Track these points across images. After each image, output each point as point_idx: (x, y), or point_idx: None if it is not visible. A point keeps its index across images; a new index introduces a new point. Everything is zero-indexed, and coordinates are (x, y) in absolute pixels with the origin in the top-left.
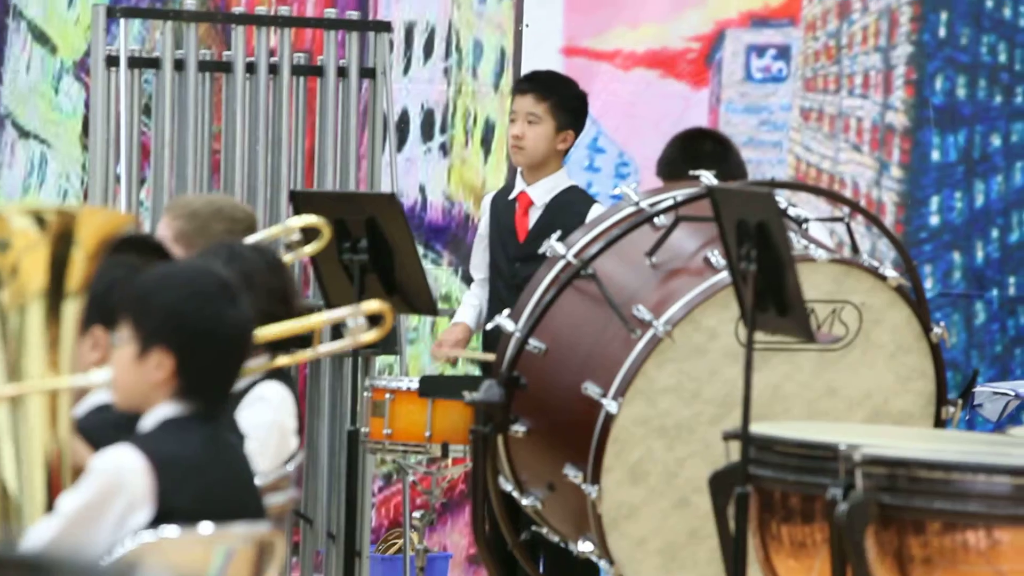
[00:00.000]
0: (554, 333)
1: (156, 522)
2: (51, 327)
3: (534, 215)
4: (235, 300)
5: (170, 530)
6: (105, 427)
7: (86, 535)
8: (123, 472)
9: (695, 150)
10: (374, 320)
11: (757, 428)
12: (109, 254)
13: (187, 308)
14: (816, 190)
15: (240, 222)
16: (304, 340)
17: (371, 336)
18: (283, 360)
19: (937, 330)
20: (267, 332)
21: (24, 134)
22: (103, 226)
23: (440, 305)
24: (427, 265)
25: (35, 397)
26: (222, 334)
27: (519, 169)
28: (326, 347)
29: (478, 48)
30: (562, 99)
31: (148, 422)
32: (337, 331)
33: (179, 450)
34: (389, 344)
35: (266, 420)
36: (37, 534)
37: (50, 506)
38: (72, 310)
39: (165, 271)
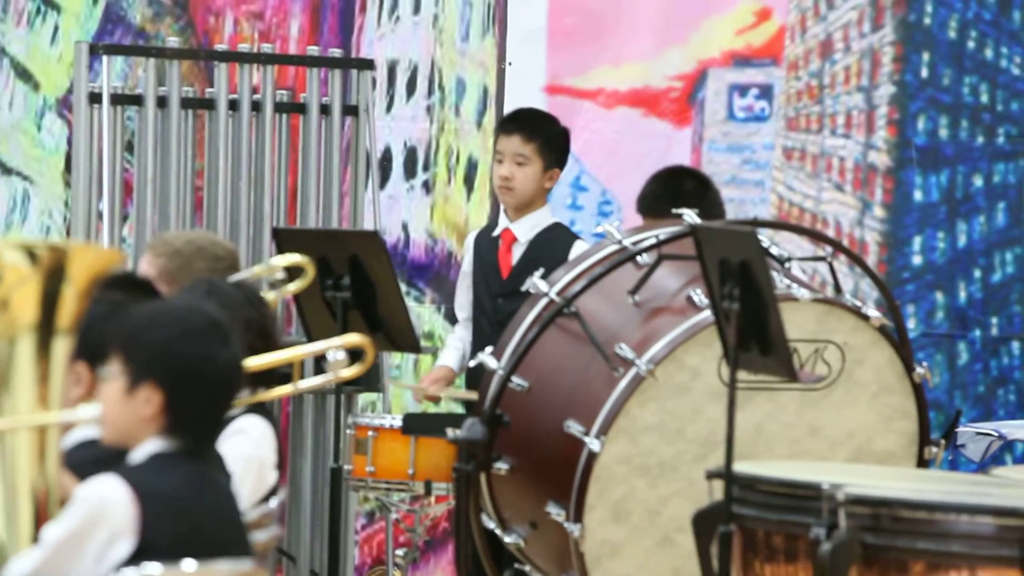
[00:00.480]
0: (537, 371)
1: (138, 556)
2: (41, 362)
3: (517, 252)
4: (226, 339)
5: (152, 567)
6: (89, 462)
7: (68, 564)
8: (107, 502)
9: (676, 188)
10: (356, 357)
11: (740, 467)
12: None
13: (178, 345)
14: (799, 229)
15: (222, 260)
16: (286, 377)
17: (352, 371)
18: (264, 395)
19: (920, 370)
20: (247, 364)
21: (7, 171)
22: (94, 264)
23: (423, 343)
24: (410, 303)
25: (23, 432)
26: (212, 372)
27: (502, 206)
28: (307, 382)
29: (461, 86)
30: (548, 138)
31: (136, 456)
32: (320, 369)
33: (165, 484)
34: (372, 381)
35: (244, 453)
36: (20, 564)
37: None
38: (62, 347)
39: (158, 308)
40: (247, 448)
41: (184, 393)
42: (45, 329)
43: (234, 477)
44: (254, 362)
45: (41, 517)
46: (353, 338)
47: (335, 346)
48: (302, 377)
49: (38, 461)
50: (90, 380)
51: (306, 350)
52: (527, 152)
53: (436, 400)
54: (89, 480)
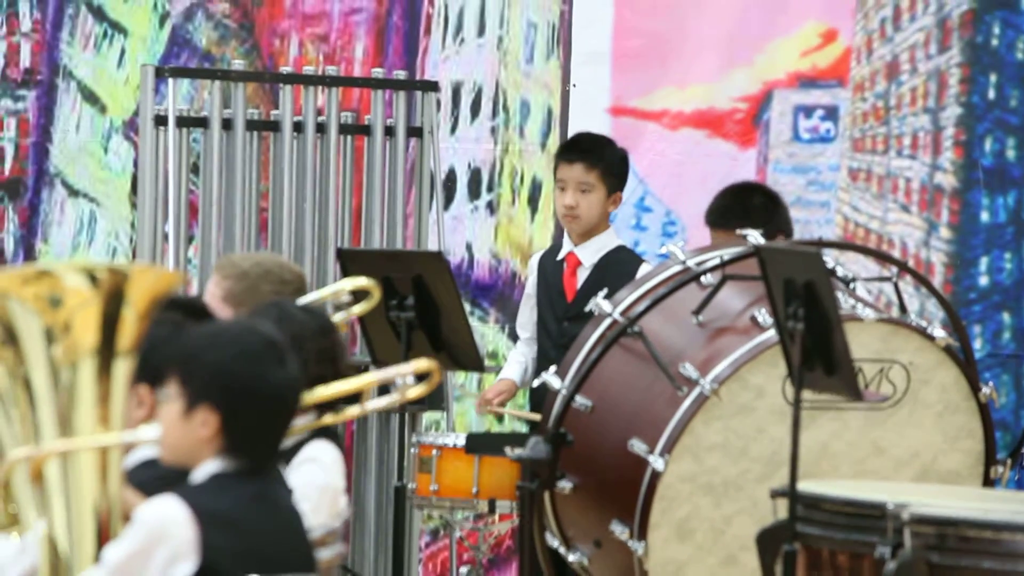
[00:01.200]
0: (600, 390)
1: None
2: (102, 384)
3: (582, 275)
4: (282, 359)
5: None
6: (152, 482)
7: None
8: (166, 523)
9: (745, 202)
10: (421, 375)
11: (804, 486)
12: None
13: (233, 367)
14: (864, 250)
15: (289, 284)
16: (351, 397)
17: (418, 392)
18: (330, 419)
19: (986, 390)
20: (316, 395)
21: (73, 193)
22: (154, 285)
23: (487, 362)
24: (474, 322)
25: (86, 453)
26: (267, 393)
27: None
28: (373, 404)
29: (525, 108)
30: (610, 164)
31: (197, 476)
32: (384, 387)
33: (224, 504)
34: (436, 401)
35: (318, 482)
36: None
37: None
38: (123, 368)
39: (213, 330)
40: (320, 478)
41: (240, 414)
42: (106, 351)
43: (308, 506)
44: (323, 392)
45: (104, 536)
46: (422, 364)
47: (404, 373)
48: (368, 398)
49: (100, 481)
50: (152, 402)
51: (375, 377)
52: (591, 180)
53: (500, 417)
54: (149, 501)
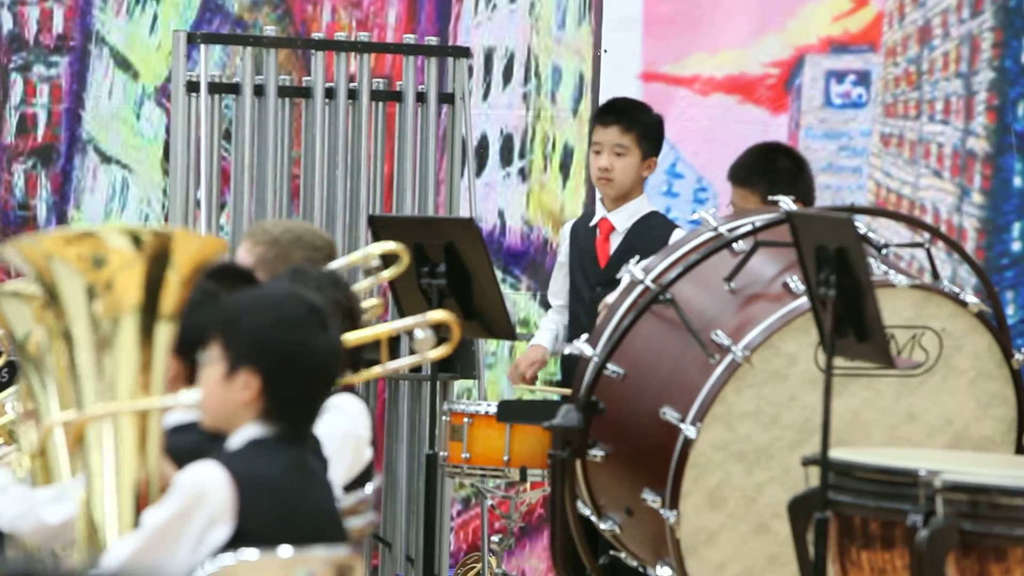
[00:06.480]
0: (632, 358)
1: (235, 540)
2: (144, 349)
3: (615, 241)
4: (324, 325)
5: (249, 553)
6: (183, 448)
7: (168, 548)
8: (205, 486)
9: (769, 163)
10: (444, 341)
11: (836, 453)
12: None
13: (275, 331)
14: (896, 216)
15: (320, 250)
16: (375, 362)
17: (440, 351)
18: (354, 376)
19: (1019, 356)
20: None
21: (106, 159)
22: (198, 251)
23: (518, 330)
24: (505, 290)
25: (127, 420)
26: (308, 358)
27: (598, 195)
28: (396, 362)
29: (557, 73)
30: (646, 128)
31: (234, 442)
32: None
33: (262, 470)
34: (467, 369)
35: (341, 430)
36: (120, 547)
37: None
38: (165, 333)
39: (256, 295)
40: (344, 424)
41: (282, 379)
42: (148, 313)
43: (331, 453)
44: (344, 339)
45: (142, 502)
46: (438, 315)
47: (420, 323)
48: (391, 359)
49: (140, 446)
50: (178, 369)
51: (391, 327)
52: (626, 142)
53: (532, 381)
54: (187, 466)
